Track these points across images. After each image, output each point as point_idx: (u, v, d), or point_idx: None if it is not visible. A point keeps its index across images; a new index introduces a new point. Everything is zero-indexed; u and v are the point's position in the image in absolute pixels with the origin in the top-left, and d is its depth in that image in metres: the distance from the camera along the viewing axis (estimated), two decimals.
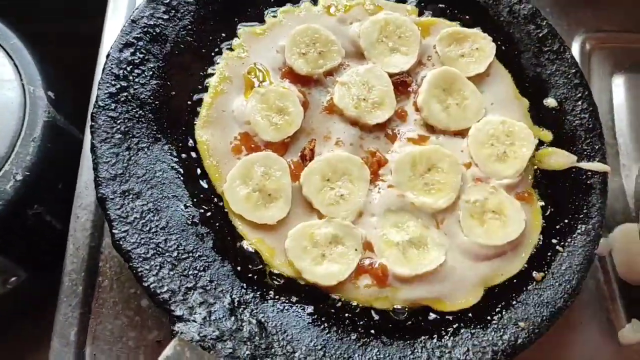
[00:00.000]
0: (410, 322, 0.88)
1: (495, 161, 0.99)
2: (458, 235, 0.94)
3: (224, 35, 1.02)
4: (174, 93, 0.95)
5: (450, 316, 0.89)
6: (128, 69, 0.93)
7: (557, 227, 0.98)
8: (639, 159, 1.19)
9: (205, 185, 0.91)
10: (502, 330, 0.89)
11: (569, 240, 0.97)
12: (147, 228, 0.84)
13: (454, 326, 0.89)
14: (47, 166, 1.00)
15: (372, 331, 0.87)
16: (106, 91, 0.90)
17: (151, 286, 0.81)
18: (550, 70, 1.09)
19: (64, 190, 1.03)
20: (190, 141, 0.93)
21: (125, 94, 0.91)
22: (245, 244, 0.89)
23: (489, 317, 0.90)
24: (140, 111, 0.92)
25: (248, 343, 0.80)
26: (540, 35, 1.11)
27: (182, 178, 0.90)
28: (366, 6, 1.07)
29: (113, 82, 0.91)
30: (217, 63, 0.99)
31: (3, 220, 0.95)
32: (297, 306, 0.86)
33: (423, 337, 0.87)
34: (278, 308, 0.85)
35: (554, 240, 0.97)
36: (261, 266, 0.88)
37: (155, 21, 0.97)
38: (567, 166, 1.02)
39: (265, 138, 0.94)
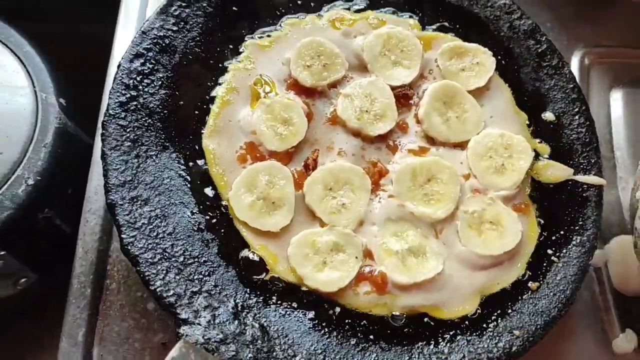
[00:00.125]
0: (408, 329, 0.90)
1: (493, 173, 1.01)
2: (456, 245, 0.96)
3: (231, 47, 1.04)
4: (182, 103, 0.97)
5: (447, 323, 0.91)
6: (138, 78, 0.95)
7: (553, 238, 1.00)
8: (635, 172, 1.21)
9: (211, 193, 0.93)
10: (498, 337, 0.90)
11: (564, 251, 0.99)
12: (155, 233, 0.87)
13: (451, 333, 0.90)
14: (58, 171, 1.02)
15: (371, 337, 0.88)
16: (117, 100, 0.93)
17: (158, 290, 0.83)
18: (549, 85, 1.11)
19: (73, 195, 1.05)
20: (198, 150, 0.95)
21: (135, 103, 0.94)
22: (249, 251, 0.91)
23: (484, 325, 0.92)
24: (150, 120, 0.94)
25: (251, 346, 0.82)
26: (540, 50, 1.13)
27: (189, 185, 0.92)
28: (370, 20, 1.10)
29: (123, 92, 0.93)
30: (224, 74, 1.01)
31: (15, 223, 0.96)
32: (298, 311, 0.88)
33: (420, 343, 0.89)
34: (280, 313, 0.87)
35: (549, 251, 0.99)
36: (264, 272, 0.90)
37: (165, 33, 1.00)
38: (564, 179, 1.04)
39: (270, 148, 0.96)
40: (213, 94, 0.99)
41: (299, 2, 1.10)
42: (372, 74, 1.06)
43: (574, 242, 1.00)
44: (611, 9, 1.39)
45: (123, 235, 0.85)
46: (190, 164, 0.94)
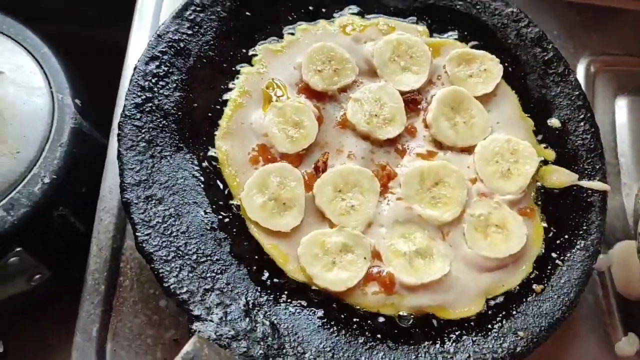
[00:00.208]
0: (414, 329, 0.92)
1: (499, 178, 1.02)
2: (462, 247, 0.97)
3: (244, 51, 1.05)
4: (196, 105, 0.99)
5: (452, 324, 0.93)
6: (153, 81, 0.97)
7: (558, 242, 1.02)
8: (639, 178, 1.23)
9: (224, 193, 0.95)
10: (502, 338, 0.92)
11: (568, 255, 1.01)
12: (169, 232, 0.88)
13: (457, 333, 0.92)
14: (73, 170, 1.03)
15: (379, 336, 0.90)
16: (132, 101, 0.94)
17: (171, 287, 0.84)
18: (555, 92, 1.13)
19: (87, 194, 1.07)
20: (211, 151, 0.97)
21: (150, 104, 0.95)
22: (260, 250, 0.92)
23: (489, 326, 0.93)
24: (164, 121, 0.95)
25: (261, 343, 0.84)
26: (546, 58, 1.15)
27: (202, 185, 0.94)
28: (380, 26, 1.11)
29: (139, 93, 0.95)
30: (237, 77, 1.02)
31: (31, 220, 0.98)
32: (308, 310, 0.90)
33: (427, 343, 0.91)
34: (290, 311, 0.89)
35: (554, 255, 1.00)
36: (275, 271, 0.91)
37: (180, 36, 1.01)
38: (569, 184, 1.06)
39: (282, 150, 0.97)
40: (226, 96, 1.01)
41: (311, 8, 1.12)
42: (382, 79, 1.07)
43: (578, 246, 1.01)
44: (616, 18, 1.41)
45: (138, 233, 0.87)
46: (204, 164, 0.96)
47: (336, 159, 1.00)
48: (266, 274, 0.91)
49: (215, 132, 0.98)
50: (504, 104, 1.10)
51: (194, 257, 0.88)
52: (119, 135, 0.92)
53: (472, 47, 1.14)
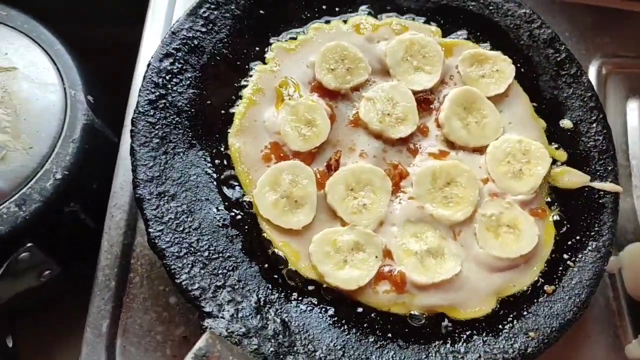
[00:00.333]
0: (425, 328, 0.92)
1: (511, 178, 1.02)
2: (473, 247, 0.97)
3: (257, 49, 1.06)
4: (209, 102, 0.99)
5: (463, 323, 0.93)
6: (167, 77, 0.97)
7: (569, 242, 1.02)
8: None
9: (236, 191, 0.95)
10: (513, 339, 0.92)
11: (579, 256, 1.01)
12: (181, 228, 0.89)
13: (467, 333, 0.92)
14: (84, 166, 1.04)
15: (389, 334, 0.90)
16: (146, 98, 0.95)
17: (183, 283, 0.85)
18: (567, 93, 1.13)
19: (97, 190, 1.07)
20: (224, 148, 0.97)
21: (163, 101, 0.96)
22: (272, 247, 0.92)
23: (500, 326, 0.93)
24: (177, 118, 0.96)
25: (272, 340, 0.84)
26: (559, 59, 1.15)
27: (214, 182, 0.94)
28: (393, 26, 1.11)
29: (153, 90, 0.96)
30: (251, 75, 1.03)
31: (42, 215, 0.98)
32: (319, 308, 0.90)
33: (437, 342, 0.91)
34: (301, 309, 0.89)
35: (565, 256, 1.00)
36: (286, 269, 0.91)
37: (194, 34, 1.02)
38: (580, 185, 1.06)
39: (294, 148, 0.98)
40: (239, 94, 1.01)
41: (324, 7, 1.12)
42: (394, 79, 1.07)
43: (589, 248, 1.01)
44: (629, 20, 1.40)
45: (150, 229, 0.87)
46: (217, 161, 0.96)
47: (348, 157, 1.00)
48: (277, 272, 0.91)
49: (228, 130, 0.98)
50: (516, 105, 1.10)
51: (206, 253, 0.88)
52: (132, 131, 0.93)
53: (485, 47, 1.14)
